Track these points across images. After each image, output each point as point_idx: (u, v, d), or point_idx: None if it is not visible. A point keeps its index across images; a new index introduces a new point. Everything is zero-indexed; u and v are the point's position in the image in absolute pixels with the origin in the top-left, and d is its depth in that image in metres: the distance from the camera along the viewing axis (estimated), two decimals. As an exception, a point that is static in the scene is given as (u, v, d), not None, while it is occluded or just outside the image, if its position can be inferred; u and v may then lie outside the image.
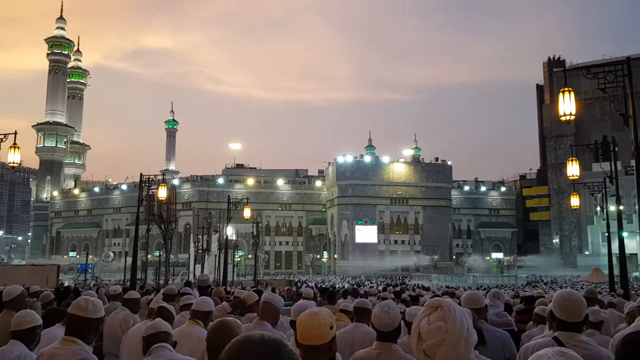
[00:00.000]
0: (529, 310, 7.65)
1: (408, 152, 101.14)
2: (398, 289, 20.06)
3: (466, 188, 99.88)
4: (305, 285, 43.19)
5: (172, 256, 52.65)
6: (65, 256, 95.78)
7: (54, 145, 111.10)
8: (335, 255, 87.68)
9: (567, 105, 11.82)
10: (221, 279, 36.56)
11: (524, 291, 27.82)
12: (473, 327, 2.23)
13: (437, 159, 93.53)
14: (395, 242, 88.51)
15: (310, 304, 4.20)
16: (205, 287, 7.70)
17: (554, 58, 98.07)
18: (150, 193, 32.05)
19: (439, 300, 2.25)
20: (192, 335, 4.62)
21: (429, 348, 2.16)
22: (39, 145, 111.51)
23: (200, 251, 45.15)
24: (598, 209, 79.66)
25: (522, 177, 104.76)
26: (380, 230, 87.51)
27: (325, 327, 2.48)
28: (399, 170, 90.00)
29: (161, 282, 36.25)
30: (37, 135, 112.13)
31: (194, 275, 47.48)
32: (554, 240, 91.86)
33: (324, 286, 41.45)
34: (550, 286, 45.36)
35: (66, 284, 30.52)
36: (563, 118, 11.98)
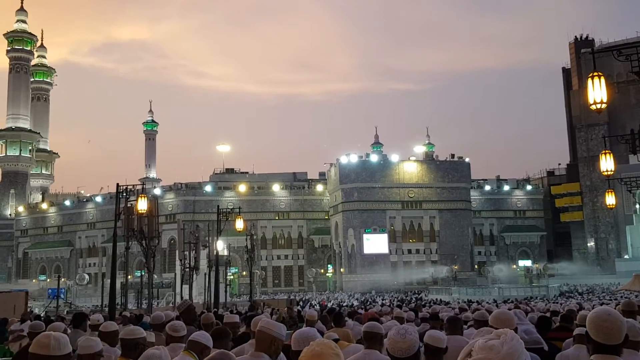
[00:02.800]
0: (565, 327, 7.61)
1: (420, 149, 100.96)
2: (413, 305, 20.09)
3: (487, 188, 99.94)
4: (309, 305, 43.32)
5: (155, 276, 52.69)
6: (34, 280, 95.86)
7: (17, 154, 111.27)
8: (342, 269, 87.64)
9: (597, 92, 11.80)
10: (212, 301, 36.56)
11: (555, 302, 27.84)
12: None
13: (453, 155, 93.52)
14: (409, 251, 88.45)
15: (313, 332, 4.20)
16: (187, 313, 7.54)
17: (581, 37, 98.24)
18: (128, 205, 32.14)
19: (505, 329, 2.36)
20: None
21: None
22: (0, 155, 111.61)
23: (187, 270, 45.17)
24: (637, 206, 79.87)
25: (550, 173, 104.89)
26: (392, 239, 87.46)
27: None
28: (410, 170, 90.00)
29: (144, 306, 36.26)
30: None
31: (181, 297, 47.58)
32: (588, 244, 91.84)
33: (330, 305, 41.57)
34: (587, 297, 45.36)
35: (36, 312, 30.54)
36: (593, 107, 11.98)
